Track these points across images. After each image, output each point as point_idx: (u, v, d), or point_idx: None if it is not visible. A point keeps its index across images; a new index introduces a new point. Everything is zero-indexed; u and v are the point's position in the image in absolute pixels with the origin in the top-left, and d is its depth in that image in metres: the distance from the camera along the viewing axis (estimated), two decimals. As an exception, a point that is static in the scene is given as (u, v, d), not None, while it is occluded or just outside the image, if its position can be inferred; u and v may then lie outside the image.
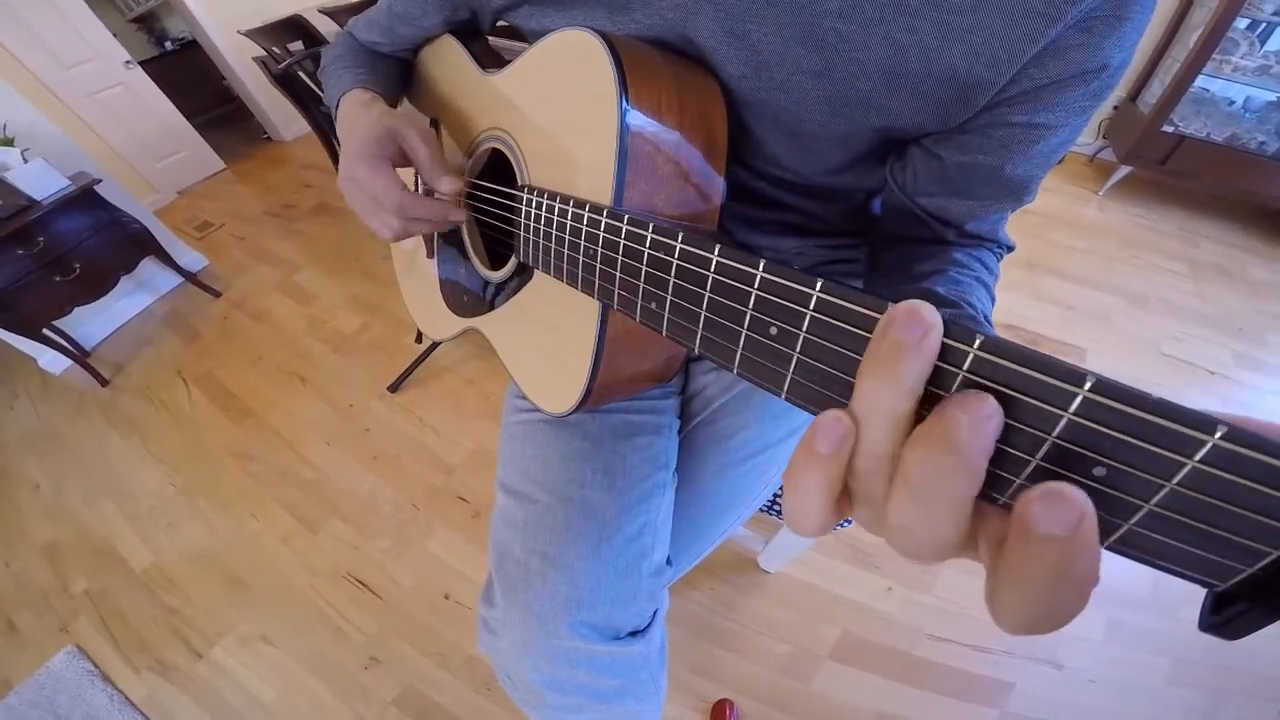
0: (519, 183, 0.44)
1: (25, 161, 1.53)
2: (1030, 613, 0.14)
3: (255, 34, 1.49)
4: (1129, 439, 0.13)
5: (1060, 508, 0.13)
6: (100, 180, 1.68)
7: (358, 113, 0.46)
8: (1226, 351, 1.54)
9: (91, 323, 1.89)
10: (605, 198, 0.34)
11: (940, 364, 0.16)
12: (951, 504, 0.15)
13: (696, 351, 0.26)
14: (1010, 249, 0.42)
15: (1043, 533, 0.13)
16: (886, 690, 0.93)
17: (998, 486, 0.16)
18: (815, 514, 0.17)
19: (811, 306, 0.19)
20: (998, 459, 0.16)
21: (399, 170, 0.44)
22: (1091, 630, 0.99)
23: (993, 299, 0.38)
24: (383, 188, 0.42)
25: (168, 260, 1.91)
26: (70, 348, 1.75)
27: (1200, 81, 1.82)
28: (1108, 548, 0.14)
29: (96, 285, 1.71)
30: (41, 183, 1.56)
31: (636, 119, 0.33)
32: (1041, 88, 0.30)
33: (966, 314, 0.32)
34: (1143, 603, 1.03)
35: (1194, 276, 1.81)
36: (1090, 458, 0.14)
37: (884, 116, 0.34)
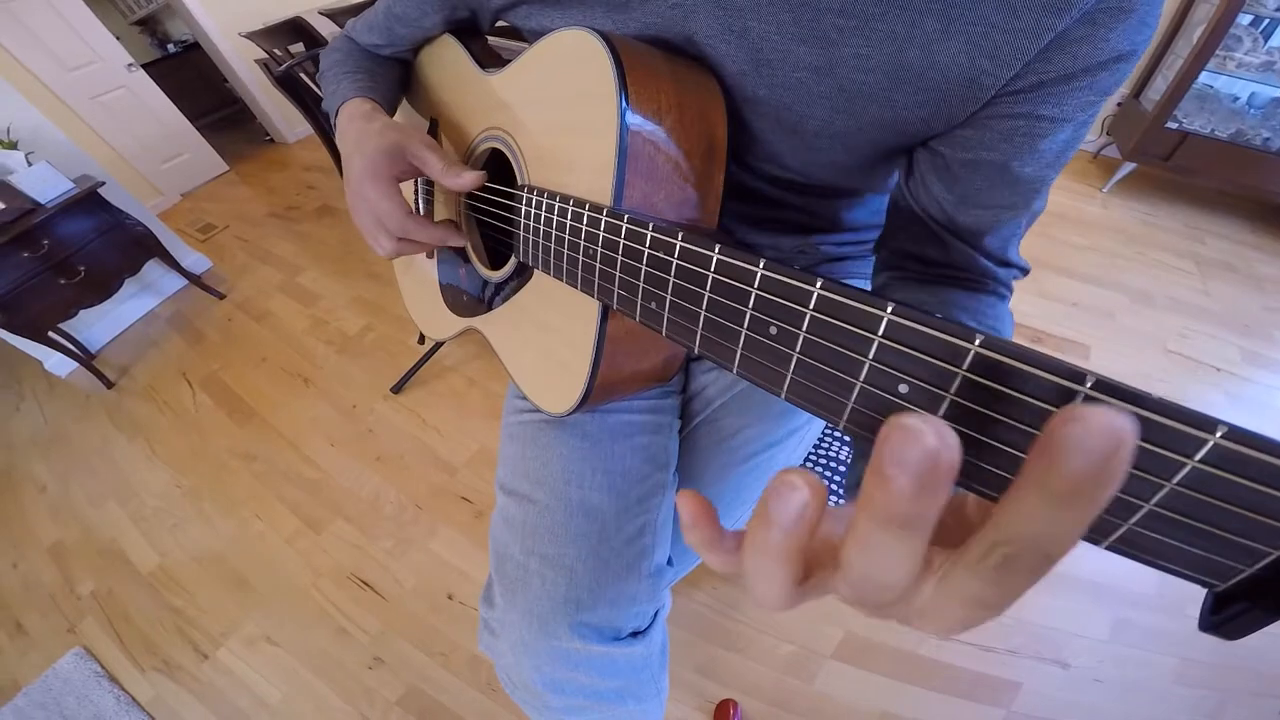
0: (518, 182, 0.44)
1: (29, 165, 1.54)
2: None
3: (256, 36, 1.50)
4: (1129, 438, 0.13)
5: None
6: (104, 183, 1.69)
7: (360, 126, 0.46)
8: (1233, 348, 1.53)
9: (96, 325, 1.90)
10: (605, 197, 0.34)
11: (942, 363, 0.16)
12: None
13: (696, 351, 0.26)
14: (1025, 271, 0.41)
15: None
16: (891, 690, 0.93)
17: (994, 485, 0.16)
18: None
19: (812, 306, 0.19)
20: (997, 458, 0.16)
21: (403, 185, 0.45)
22: (1097, 629, 0.99)
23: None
24: (388, 210, 0.43)
25: (171, 262, 1.92)
26: (75, 350, 1.76)
27: (1204, 78, 1.81)
28: (1108, 547, 0.14)
29: (101, 288, 1.72)
30: (45, 186, 1.56)
31: (636, 119, 0.33)
32: (1046, 82, 0.30)
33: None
34: (1148, 601, 1.02)
35: (1200, 273, 1.79)
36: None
37: (887, 111, 0.34)
